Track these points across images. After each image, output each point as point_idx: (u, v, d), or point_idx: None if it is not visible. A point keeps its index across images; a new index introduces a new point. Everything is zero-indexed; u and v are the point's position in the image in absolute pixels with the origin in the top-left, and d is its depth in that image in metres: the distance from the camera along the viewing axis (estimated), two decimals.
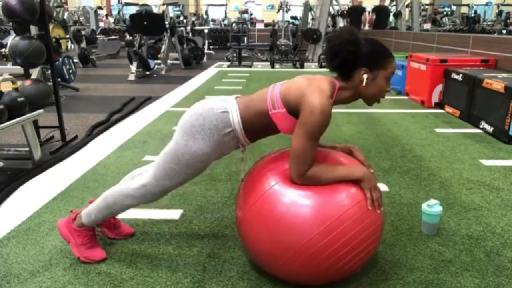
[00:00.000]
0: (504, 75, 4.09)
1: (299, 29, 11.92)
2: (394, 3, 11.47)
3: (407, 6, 11.48)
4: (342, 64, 1.45)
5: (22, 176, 2.62)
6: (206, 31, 12.96)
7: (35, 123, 3.16)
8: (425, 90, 4.92)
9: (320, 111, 1.36)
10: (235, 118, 1.51)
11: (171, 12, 11.98)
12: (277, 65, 9.45)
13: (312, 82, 1.45)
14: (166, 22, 8.39)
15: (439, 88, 4.80)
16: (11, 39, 3.07)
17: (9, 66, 4.98)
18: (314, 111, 1.37)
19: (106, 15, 19.53)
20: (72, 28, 9.62)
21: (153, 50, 8.15)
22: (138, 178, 1.64)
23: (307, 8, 13.47)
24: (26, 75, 3.24)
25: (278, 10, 11.63)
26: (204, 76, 7.70)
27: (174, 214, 2.15)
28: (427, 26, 14.76)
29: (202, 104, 1.56)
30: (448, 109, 4.59)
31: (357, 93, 1.50)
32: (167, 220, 2.09)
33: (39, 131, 3.34)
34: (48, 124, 3.67)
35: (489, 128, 3.71)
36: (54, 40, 5.73)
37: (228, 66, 9.35)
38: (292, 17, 16.38)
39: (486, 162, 2.96)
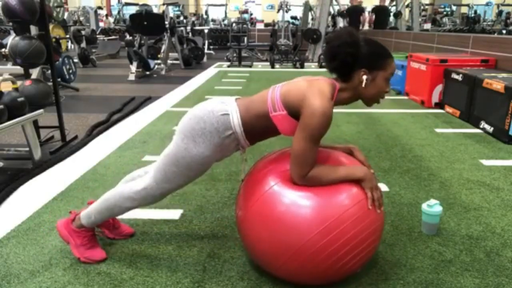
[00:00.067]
0: (504, 75, 4.09)
1: (299, 29, 11.90)
2: (394, 3, 11.45)
3: (407, 6, 11.46)
4: (341, 65, 1.45)
5: (22, 176, 2.62)
6: (206, 31, 12.94)
7: (35, 123, 3.16)
8: (425, 90, 4.91)
9: (321, 114, 1.36)
10: (236, 120, 1.50)
11: (171, 12, 11.97)
12: (277, 65, 9.44)
13: (312, 84, 1.44)
14: (166, 22, 8.38)
15: (439, 88, 4.80)
16: (11, 39, 3.07)
17: (9, 66, 4.97)
18: (315, 113, 1.37)
19: (106, 15, 19.52)
20: (72, 28, 9.61)
21: (153, 50, 8.15)
22: (139, 181, 1.64)
23: (307, 8, 13.47)
24: (26, 75, 3.24)
25: (278, 10, 11.61)
26: (204, 76, 7.70)
27: (174, 214, 2.16)
28: (427, 26, 14.73)
29: (202, 107, 1.55)
30: (448, 109, 4.59)
31: (357, 94, 1.50)
32: (167, 220, 2.09)
33: (39, 131, 3.34)
34: (48, 124, 3.67)
35: (489, 128, 3.71)
36: (54, 40, 5.73)
37: (228, 66, 9.35)
38: (292, 17, 16.36)
39: (486, 162, 2.96)
